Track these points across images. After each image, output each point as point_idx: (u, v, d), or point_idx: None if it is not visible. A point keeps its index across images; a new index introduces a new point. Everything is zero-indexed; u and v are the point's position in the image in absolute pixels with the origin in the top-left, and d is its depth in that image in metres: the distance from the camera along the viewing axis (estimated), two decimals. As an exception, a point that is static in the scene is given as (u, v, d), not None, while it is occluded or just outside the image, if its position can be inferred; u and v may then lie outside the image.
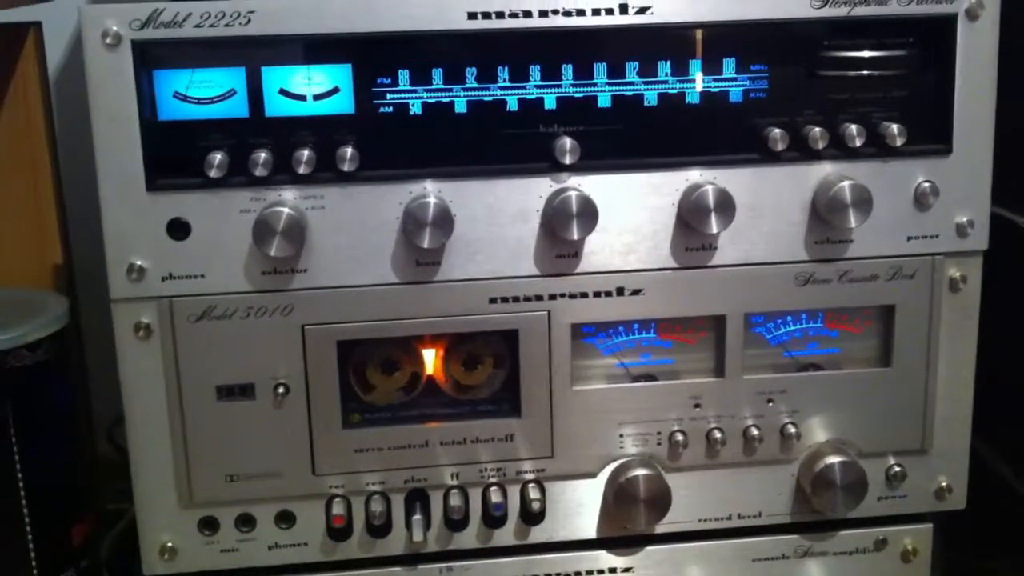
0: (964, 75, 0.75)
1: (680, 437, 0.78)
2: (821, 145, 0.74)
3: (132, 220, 0.71)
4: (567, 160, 0.72)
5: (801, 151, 0.75)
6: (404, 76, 0.72)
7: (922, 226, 0.77)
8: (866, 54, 0.75)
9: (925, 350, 0.79)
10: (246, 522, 0.77)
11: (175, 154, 0.71)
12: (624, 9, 0.72)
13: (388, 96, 0.72)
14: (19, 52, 0.88)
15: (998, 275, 0.80)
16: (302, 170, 0.70)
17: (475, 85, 0.72)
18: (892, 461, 0.81)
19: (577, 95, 0.73)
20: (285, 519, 0.77)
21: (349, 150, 0.71)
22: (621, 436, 0.78)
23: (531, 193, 0.74)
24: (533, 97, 0.73)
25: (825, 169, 0.76)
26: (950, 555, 0.88)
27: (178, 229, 0.71)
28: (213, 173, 0.70)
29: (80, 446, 0.85)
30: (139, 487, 0.75)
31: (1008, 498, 0.87)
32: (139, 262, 0.71)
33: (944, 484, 0.82)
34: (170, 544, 0.76)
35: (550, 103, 0.73)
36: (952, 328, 0.79)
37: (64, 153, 0.91)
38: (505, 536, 0.79)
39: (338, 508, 0.76)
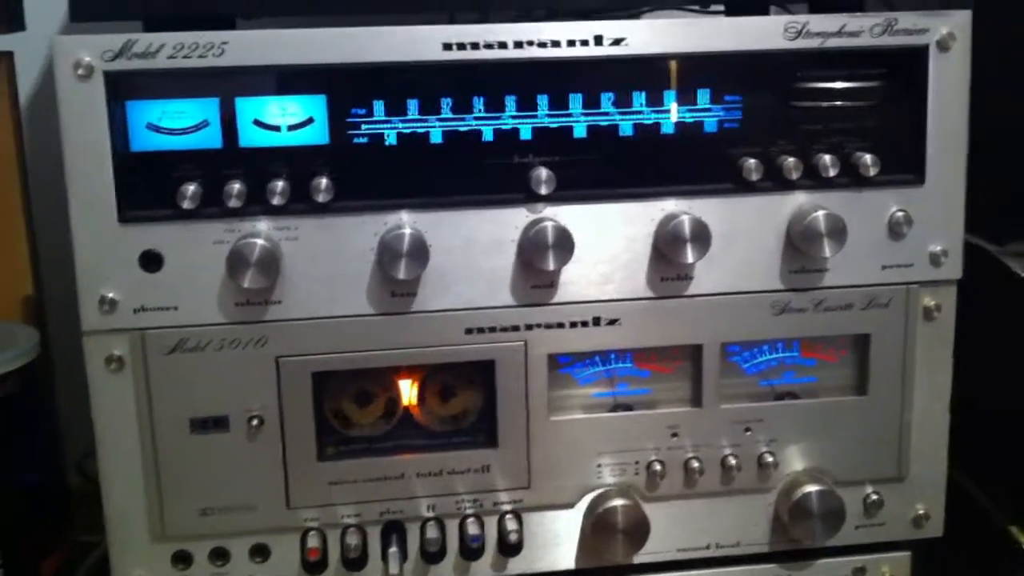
0: (936, 106, 0.76)
1: (658, 467, 0.78)
2: (795, 175, 0.75)
3: (104, 252, 0.70)
4: (543, 190, 0.72)
5: (775, 181, 0.75)
6: (379, 107, 0.72)
7: (896, 255, 0.78)
8: (839, 85, 0.76)
9: (900, 378, 0.79)
10: (220, 556, 0.76)
11: (148, 185, 0.70)
12: (599, 40, 0.72)
13: (363, 127, 0.72)
14: (-9, 80, 0.87)
15: (973, 302, 0.80)
16: (276, 201, 0.70)
17: (450, 116, 0.72)
18: (869, 489, 0.81)
19: (552, 125, 0.73)
20: (260, 552, 0.76)
21: (324, 181, 0.71)
22: (599, 466, 0.78)
23: (507, 224, 0.74)
24: (508, 128, 0.73)
25: (799, 199, 0.76)
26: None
27: (151, 261, 0.71)
28: (186, 204, 0.69)
29: (50, 478, 0.84)
30: (111, 521, 0.74)
31: (985, 526, 0.87)
32: (111, 294, 0.71)
33: (921, 512, 0.82)
34: (142, 579, 0.75)
35: (526, 134, 0.73)
36: (927, 356, 0.79)
37: (36, 183, 0.90)
38: (483, 568, 0.78)
39: (313, 541, 0.75)
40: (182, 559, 0.75)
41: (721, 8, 0.87)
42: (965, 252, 0.79)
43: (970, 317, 0.80)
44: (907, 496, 0.82)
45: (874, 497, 0.81)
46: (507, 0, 0.78)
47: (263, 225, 0.71)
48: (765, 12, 0.84)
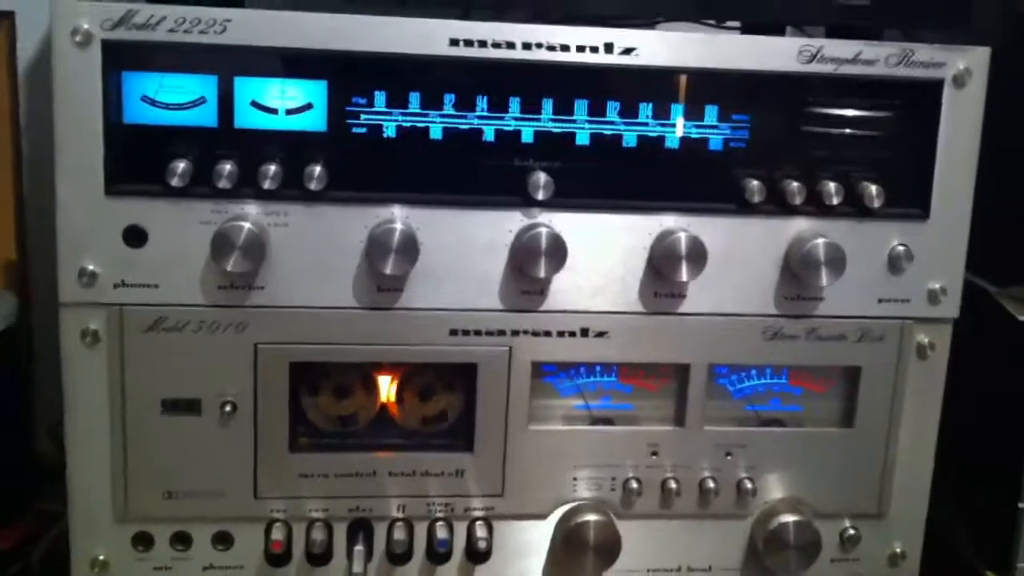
0: (947, 141, 0.75)
1: (635, 484, 0.77)
2: (798, 200, 0.73)
3: (88, 223, 0.69)
4: (540, 196, 0.71)
5: (778, 205, 0.74)
6: (380, 97, 0.70)
7: (894, 289, 0.76)
8: (850, 113, 0.74)
9: (888, 414, 0.78)
10: (182, 540, 0.74)
11: (137, 159, 0.69)
12: (609, 48, 0.71)
13: (362, 116, 0.70)
14: (-10, 40, 0.86)
15: (966, 341, 0.79)
16: (267, 185, 0.69)
17: (452, 112, 0.71)
18: (847, 524, 0.80)
19: (555, 130, 0.72)
20: (222, 540, 0.75)
21: (318, 168, 0.69)
22: (575, 479, 0.77)
23: (501, 226, 0.72)
24: (511, 129, 0.72)
25: (800, 225, 0.75)
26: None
27: (135, 236, 0.69)
28: (175, 182, 0.68)
29: (19, 448, 0.82)
30: (74, 497, 0.73)
31: (963, 570, 0.86)
32: (91, 267, 0.69)
33: (898, 550, 0.81)
34: (102, 558, 0.73)
35: (527, 136, 0.72)
36: (917, 394, 0.78)
37: (30, 147, 0.89)
38: (448, 573, 0.77)
39: (278, 533, 0.74)
40: (143, 541, 0.74)
41: (736, 25, 0.85)
42: (964, 291, 0.77)
43: (964, 356, 0.79)
44: (885, 533, 0.80)
45: (852, 532, 0.80)
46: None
47: (252, 209, 0.70)
48: (781, 33, 0.82)
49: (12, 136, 0.87)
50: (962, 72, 0.74)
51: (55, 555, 0.83)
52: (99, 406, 0.71)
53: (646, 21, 0.84)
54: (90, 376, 0.71)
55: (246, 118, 0.70)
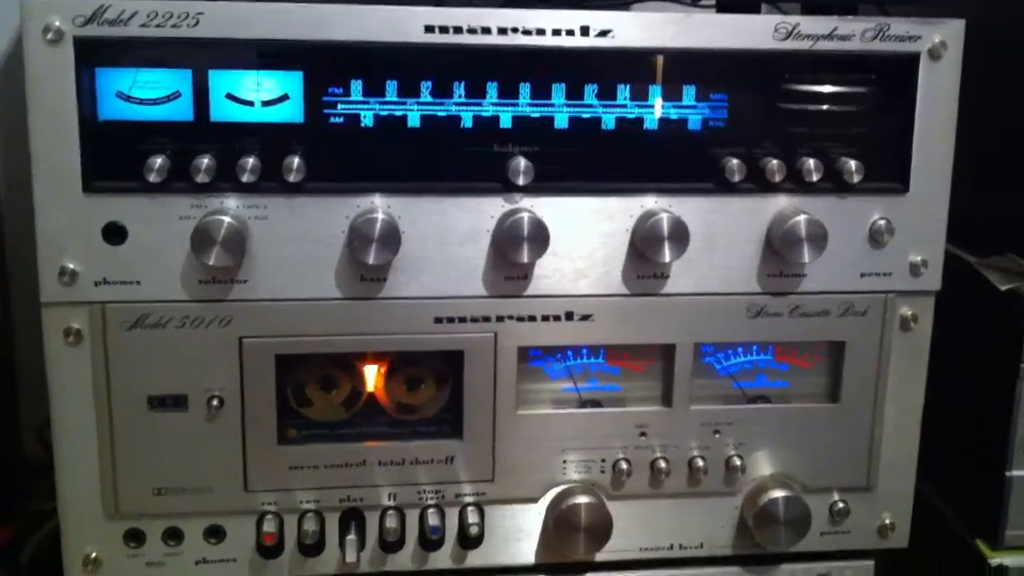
0: (924, 115, 0.75)
1: (624, 465, 0.77)
2: (778, 178, 0.73)
3: (66, 222, 0.69)
4: (520, 181, 0.71)
5: (758, 183, 0.74)
6: (357, 87, 0.70)
7: (876, 264, 0.77)
8: (827, 89, 0.74)
9: (874, 388, 0.79)
10: (173, 536, 0.74)
11: (114, 155, 0.68)
12: (585, 31, 0.71)
13: (339, 106, 0.70)
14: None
15: (950, 312, 0.79)
16: (246, 178, 0.69)
17: (430, 100, 0.71)
18: (836, 497, 0.80)
19: (534, 115, 0.72)
20: (214, 534, 0.75)
21: (296, 160, 0.69)
22: (564, 462, 0.77)
23: (482, 213, 0.72)
24: (489, 115, 0.71)
25: (781, 202, 0.75)
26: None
27: (114, 233, 0.69)
28: (153, 177, 0.68)
29: (5, 450, 0.82)
30: (64, 496, 0.73)
31: (951, 539, 0.87)
32: (72, 265, 0.69)
33: (887, 522, 0.81)
34: (94, 555, 0.73)
35: (506, 121, 0.72)
36: (901, 367, 0.79)
37: (5, 146, 0.88)
38: (441, 559, 0.77)
39: (269, 525, 0.74)
40: (135, 537, 0.74)
41: (711, 4, 0.85)
42: (945, 261, 0.78)
43: (947, 327, 0.80)
44: (874, 506, 0.81)
45: (841, 505, 0.80)
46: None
47: (231, 202, 0.70)
48: (756, 11, 0.82)
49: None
50: (937, 45, 0.74)
51: (45, 554, 0.84)
52: (85, 405, 0.71)
53: (621, 1, 0.84)
54: (75, 375, 0.71)
55: (222, 111, 0.69)
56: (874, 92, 0.75)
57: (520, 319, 0.74)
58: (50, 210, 0.68)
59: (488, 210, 0.72)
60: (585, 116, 0.72)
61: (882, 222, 0.76)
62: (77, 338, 0.70)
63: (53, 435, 0.72)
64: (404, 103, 0.71)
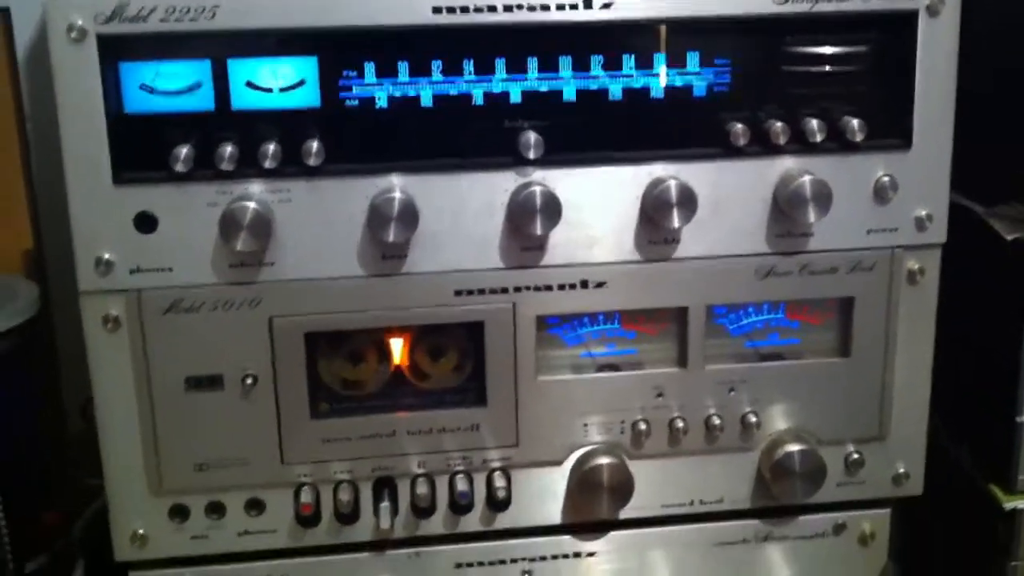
0: (924, 70, 0.76)
1: (643, 426, 0.80)
2: (782, 140, 0.75)
3: (99, 214, 0.71)
4: (531, 155, 0.73)
5: (763, 145, 0.76)
6: (370, 69, 0.72)
7: (881, 219, 0.78)
8: (827, 50, 0.76)
9: (884, 341, 0.81)
10: (215, 510, 0.78)
11: (141, 147, 0.71)
12: (588, 4, 0.73)
13: (354, 89, 0.72)
14: (-13, 38, 0.88)
15: (958, 262, 0.81)
16: (268, 164, 0.71)
17: (441, 78, 0.73)
18: (851, 448, 0.83)
19: (542, 88, 0.74)
20: (254, 506, 0.78)
21: (315, 144, 0.71)
22: (585, 425, 0.80)
23: (496, 187, 0.74)
24: (498, 91, 0.73)
25: (786, 163, 0.77)
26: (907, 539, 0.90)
27: (145, 223, 0.72)
28: (179, 167, 0.70)
29: (51, 431, 0.86)
30: (110, 476, 0.76)
31: (965, 484, 0.89)
32: (107, 255, 0.72)
33: (901, 471, 0.84)
34: (141, 531, 0.77)
35: (515, 96, 0.74)
36: (910, 320, 0.81)
37: (36, 139, 0.91)
38: (472, 522, 0.80)
39: (306, 496, 0.77)
40: (179, 512, 0.77)
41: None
42: (951, 212, 0.79)
43: (955, 277, 0.81)
44: (887, 455, 0.83)
45: (855, 456, 0.82)
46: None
47: (255, 188, 0.72)
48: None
49: (18, 127, 0.89)
50: (935, 1, 0.75)
51: (95, 528, 0.87)
52: (126, 388, 0.74)
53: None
54: (115, 360, 0.74)
55: (242, 99, 0.72)
56: (874, 51, 0.76)
57: (537, 289, 0.77)
58: (83, 203, 0.71)
59: (502, 184, 0.74)
60: (592, 87, 0.74)
61: (886, 179, 0.77)
62: (115, 324, 0.73)
63: (97, 419, 0.75)
64: (416, 83, 0.73)
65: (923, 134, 0.77)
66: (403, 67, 0.72)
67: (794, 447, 0.80)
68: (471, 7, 0.71)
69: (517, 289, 0.76)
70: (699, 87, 0.75)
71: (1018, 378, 0.84)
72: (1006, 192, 0.87)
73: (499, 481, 0.79)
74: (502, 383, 0.78)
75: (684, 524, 0.83)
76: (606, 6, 0.73)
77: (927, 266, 0.80)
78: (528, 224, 0.73)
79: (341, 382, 0.78)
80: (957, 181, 0.80)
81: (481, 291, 0.76)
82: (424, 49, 0.72)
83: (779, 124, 0.75)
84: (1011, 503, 0.85)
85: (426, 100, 0.73)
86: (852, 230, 0.78)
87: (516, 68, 0.73)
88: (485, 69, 0.73)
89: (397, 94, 0.73)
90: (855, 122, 0.75)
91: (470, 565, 0.81)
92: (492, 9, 0.72)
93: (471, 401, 0.79)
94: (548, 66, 0.73)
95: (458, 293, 0.76)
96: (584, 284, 0.77)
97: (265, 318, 0.74)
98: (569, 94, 0.74)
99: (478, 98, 0.73)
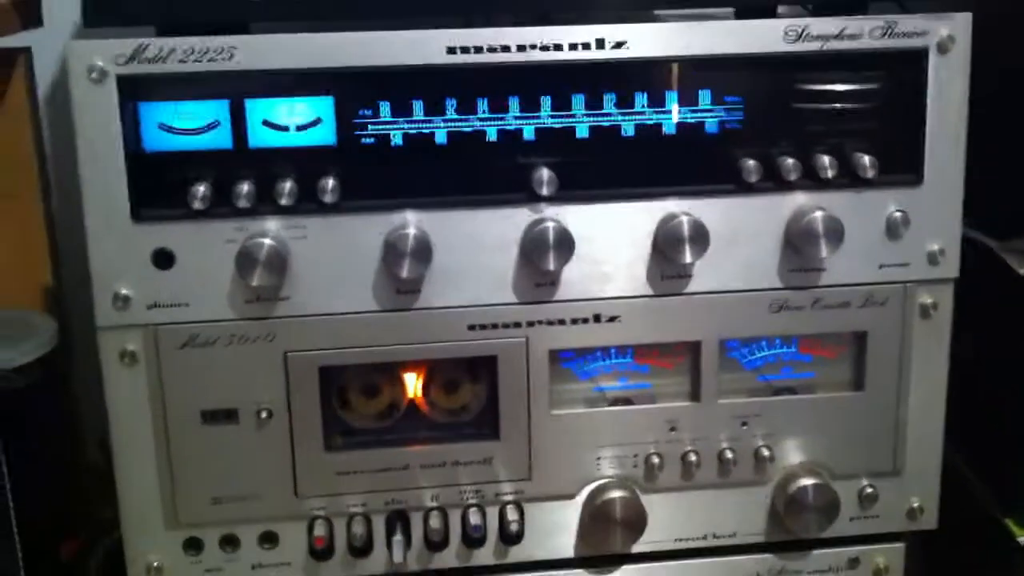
0: (935, 107, 0.77)
1: (656, 460, 0.80)
2: (794, 176, 0.76)
3: (118, 250, 0.72)
4: (545, 191, 0.74)
5: (775, 181, 0.76)
6: (385, 108, 0.73)
7: (894, 254, 0.79)
8: (839, 87, 0.76)
9: (897, 375, 0.81)
10: (230, 542, 0.78)
11: (160, 185, 0.72)
12: (601, 44, 0.73)
13: (370, 127, 0.73)
14: (9, 76, 0.89)
15: (972, 296, 0.81)
16: (284, 201, 0.72)
17: (455, 117, 0.74)
18: (865, 482, 0.83)
19: (555, 126, 0.75)
20: (268, 540, 0.78)
21: (331, 181, 0.72)
22: (598, 459, 0.80)
23: (510, 223, 0.75)
24: (512, 128, 0.74)
25: (798, 199, 0.77)
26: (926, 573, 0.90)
27: (163, 259, 0.73)
28: (197, 205, 0.71)
29: (69, 465, 0.86)
30: (126, 508, 0.77)
31: (981, 518, 0.89)
32: (124, 291, 0.73)
33: (916, 505, 0.83)
34: (156, 564, 0.77)
35: (529, 134, 0.74)
36: (923, 353, 0.81)
37: (56, 174, 0.93)
38: (484, 556, 0.80)
39: (320, 530, 0.78)
40: (194, 545, 0.78)
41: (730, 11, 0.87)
42: (965, 246, 0.80)
43: (969, 310, 0.81)
44: (902, 489, 0.83)
45: (869, 490, 0.82)
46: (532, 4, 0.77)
47: (272, 224, 0.73)
48: (773, 14, 0.83)
49: (39, 163, 0.91)
50: (945, 39, 0.75)
51: (111, 560, 0.88)
52: (142, 421, 0.75)
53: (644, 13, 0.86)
54: (132, 394, 0.74)
55: (259, 137, 0.73)
56: (885, 88, 0.77)
57: (550, 323, 0.77)
58: (102, 239, 0.72)
59: (515, 220, 0.75)
60: (605, 125, 0.75)
61: (898, 214, 0.78)
62: (132, 359, 0.74)
63: (113, 452, 0.76)
64: (431, 121, 0.74)
65: (934, 169, 0.77)
66: (418, 106, 0.73)
67: (808, 481, 0.80)
68: (485, 47, 0.72)
69: (530, 323, 0.77)
70: (711, 124, 0.76)
71: (1033, 411, 0.84)
72: (1019, 226, 0.88)
73: (512, 514, 0.79)
74: (515, 417, 0.78)
75: (697, 558, 0.83)
76: (618, 45, 0.74)
77: (940, 300, 0.80)
78: (541, 259, 0.74)
79: (355, 416, 0.78)
80: (971, 216, 0.80)
81: (495, 325, 0.77)
82: (439, 88, 0.73)
83: (791, 160, 0.76)
84: (1026, 537, 0.85)
85: (440, 138, 0.74)
86: (864, 265, 0.79)
87: (529, 107, 0.74)
88: (499, 108, 0.74)
89: (412, 132, 0.74)
90: (867, 158, 0.76)
91: (483, 598, 0.81)
92: (506, 49, 0.73)
93: (484, 435, 0.79)
94: (561, 104, 0.74)
95: (472, 328, 0.76)
96: (597, 318, 0.78)
97: (280, 353, 0.75)
98: (582, 132, 0.75)
99: (492, 135, 0.74)
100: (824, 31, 0.75)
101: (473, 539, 0.79)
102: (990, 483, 0.90)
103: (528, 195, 0.74)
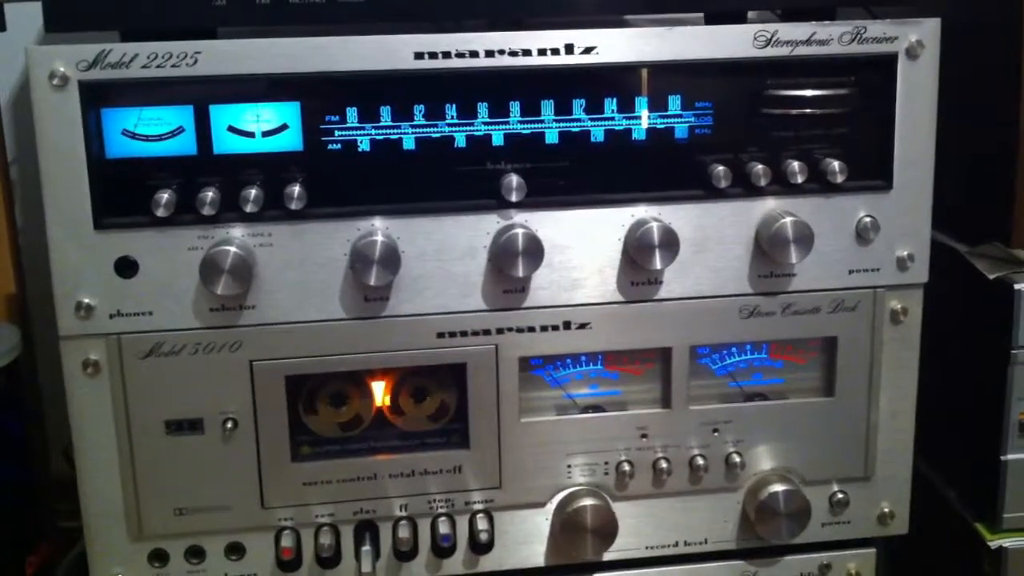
0: (904, 113, 0.77)
1: (627, 467, 0.80)
2: (764, 182, 0.75)
3: (80, 258, 0.71)
4: (513, 197, 0.73)
5: (745, 187, 0.76)
6: (352, 113, 0.72)
7: (863, 260, 0.79)
8: (808, 92, 0.76)
9: (867, 380, 0.81)
10: (196, 554, 0.77)
11: (123, 192, 0.71)
12: (570, 49, 0.73)
13: (336, 133, 0.73)
14: (-29, 82, 0.88)
15: (942, 301, 0.81)
16: (249, 208, 0.71)
17: (423, 123, 0.73)
18: (835, 488, 0.83)
19: (524, 132, 0.74)
20: (235, 551, 0.77)
21: (297, 188, 0.72)
22: (569, 466, 0.80)
23: (478, 230, 0.75)
24: (480, 134, 0.74)
25: (768, 205, 0.77)
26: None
27: (126, 267, 0.72)
28: (160, 212, 0.70)
29: (32, 477, 0.85)
30: (89, 520, 0.75)
31: (952, 523, 0.89)
32: (87, 300, 0.72)
33: (887, 510, 0.83)
34: (121, 576, 0.77)
35: (497, 140, 0.74)
36: (893, 358, 0.81)
37: (20, 182, 0.91)
38: (454, 566, 0.80)
39: (287, 540, 0.77)
40: (159, 557, 0.77)
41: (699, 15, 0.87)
42: (934, 251, 0.80)
43: (939, 315, 0.82)
44: (873, 495, 0.83)
45: (840, 496, 0.82)
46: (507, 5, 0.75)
47: (237, 232, 0.72)
48: (743, 20, 0.83)
49: (2, 170, 0.89)
50: (914, 44, 0.76)
51: (76, 572, 0.87)
52: (106, 432, 0.74)
53: (613, 19, 0.85)
54: (95, 404, 0.73)
55: (224, 143, 0.72)
56: (854, 93, 0.77)
57: (520, 330, 0.77)
58: (64, 247, 0.71)
59: (484, 227, 0.75)
60: (574, 130, 0.75)
61: (868, 219, 0.78)
62: (95, 369, 0.73)
63: (76, 462, 0.75)
64: (398, 127, 0.73)
65: (904, 175, 0.78)
66: (385, 111, 0.73)
67: (779, 487, 0.80)
68: (453, 52, 0.72)
69: (500, 331, 0.76)
70: (681, 130, 0.76)
71: (1002, 416, 0.84)
72: (989, 230, 0.88)
73: (482, 523, 0.79)
74: (485, 425, 0.78)
75: (669, 565, 0.83)
76: (587, 51, 0.73)
77: (910, 306, 0.80)
78: (510, 266, 0.73)
79: (322, 425, 0.77)
80: (942, 221, 0.80)
81: (464, 333, 0.76)
82: (406, 94, 0.73)
83: (760, 166, 0.75)
84: (997, 541, 0.85)
85: (408, 144, 0.73)
86: (834, 270, 0.79)
87: (498, 112, 0.74)
88: (467, 113, 0.73)
89: (379, 138, 0.73)
90: (836, 164, 0.76)
91: (453, 608, 0.81)
92: (474, 54, 0.72)
93: (454, 443, 0.78)
94: (530, 110, 0.74)
95: (440, 335, 0.76)
96: (567, 325, 0.77)
97: (246, 362, 0.74)
98: (551, 137, 0.74)
99: (460, 141, 0.74)
100: (793, 36, 0.75)
101: (443, 549, 0.79)
102: (960, 488, 0.90)
103: (497, 201, 0.74)
